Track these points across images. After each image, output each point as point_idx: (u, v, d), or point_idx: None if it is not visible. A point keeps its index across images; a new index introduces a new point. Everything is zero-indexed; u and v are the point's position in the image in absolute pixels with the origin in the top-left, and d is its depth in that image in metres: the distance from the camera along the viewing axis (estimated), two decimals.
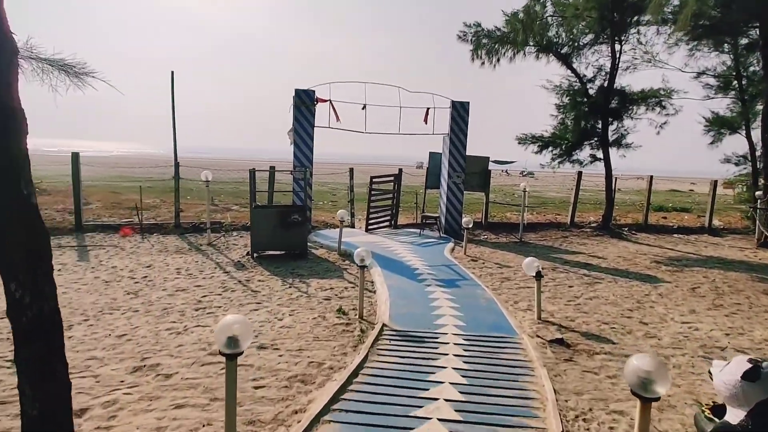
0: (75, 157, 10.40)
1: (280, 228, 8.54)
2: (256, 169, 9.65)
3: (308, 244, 9.76)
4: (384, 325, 5.18)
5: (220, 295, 6.41)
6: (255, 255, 8.58)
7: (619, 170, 13.46)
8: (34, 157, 2.89)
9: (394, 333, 4.98)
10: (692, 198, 27.22)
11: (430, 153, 12.14)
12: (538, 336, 5.00)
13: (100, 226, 10.68)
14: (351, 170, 11.91)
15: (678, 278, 8.01)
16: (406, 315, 5.55)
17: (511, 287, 7.14)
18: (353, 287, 6.87)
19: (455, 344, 4.68)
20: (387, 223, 11.95)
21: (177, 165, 10.86)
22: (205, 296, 6.32)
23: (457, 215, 11.68)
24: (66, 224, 10.55)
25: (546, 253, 9.86)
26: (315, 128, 10.94)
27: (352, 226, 12.01)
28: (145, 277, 7.17)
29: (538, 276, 5.49)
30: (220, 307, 5.90)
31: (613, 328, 5.43)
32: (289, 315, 5.62)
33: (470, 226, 9.39)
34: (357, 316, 5.59)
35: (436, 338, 4.84)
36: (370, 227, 11.44)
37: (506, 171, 60.10)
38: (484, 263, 8.75)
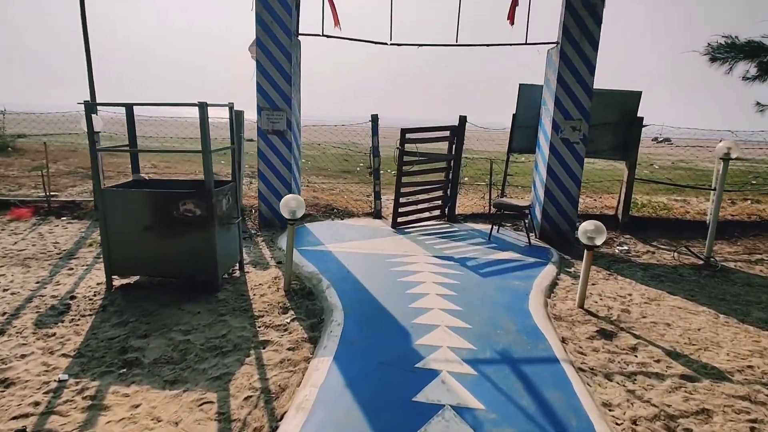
0: None
1: (158, 230, 3.94)
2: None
3: (261, 256, 5.06)
4: None
5: None
6: (115, 284, 4.13)
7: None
8: None
9: None
10: None
11: (521, 85, 6.58)
12: None
13: None
14: (374, 117, 6.81)
15: None
16: None
17: None
18: None
19: None
20: (436, 213, 6.81)
21: (90, 105, 6.74)
22: None
23: (570, 204, 6.09)
24: None
25: None
26: (300, 37, 6.04)
27: (378, 215, 7.06)
28: None
29: None
30: None
31: None
32: None
33: (599, 243, 3.88)
34: None
35: None
36: (400, 221, 6.41)
37: None
38: (635, 348, 3.31)
